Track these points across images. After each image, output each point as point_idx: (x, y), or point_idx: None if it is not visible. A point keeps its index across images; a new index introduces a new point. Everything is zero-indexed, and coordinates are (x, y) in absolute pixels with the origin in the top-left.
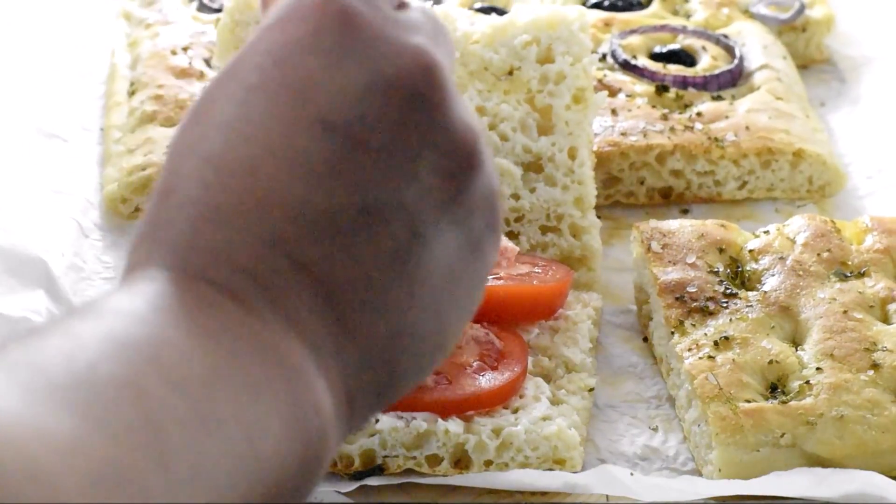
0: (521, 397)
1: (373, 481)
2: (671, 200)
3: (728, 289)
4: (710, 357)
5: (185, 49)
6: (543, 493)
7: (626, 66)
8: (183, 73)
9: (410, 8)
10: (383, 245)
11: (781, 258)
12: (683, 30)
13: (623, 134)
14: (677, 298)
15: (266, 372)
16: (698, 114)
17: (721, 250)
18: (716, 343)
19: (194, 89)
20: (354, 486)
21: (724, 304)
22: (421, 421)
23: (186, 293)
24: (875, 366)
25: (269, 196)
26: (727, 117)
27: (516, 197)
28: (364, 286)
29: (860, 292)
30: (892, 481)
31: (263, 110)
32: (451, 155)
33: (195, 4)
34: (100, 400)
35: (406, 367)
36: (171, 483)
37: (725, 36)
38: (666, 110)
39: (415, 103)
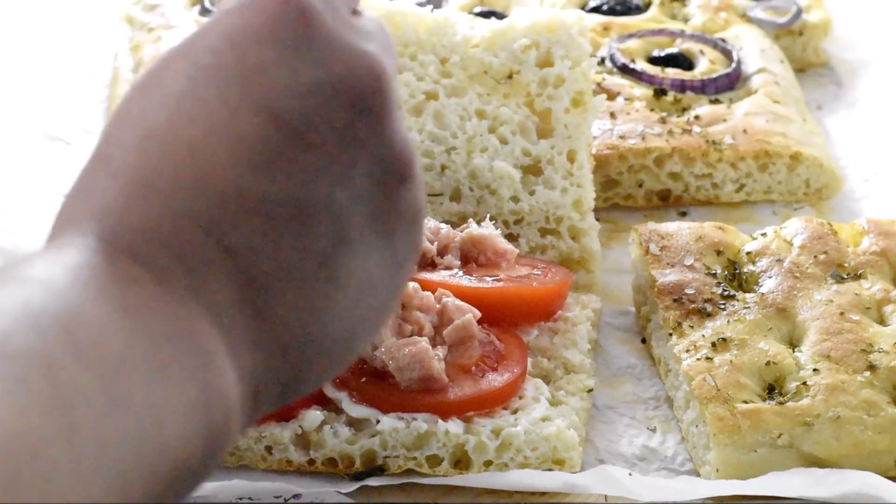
0: (520, 398)
1: (373, 481)
2: (669, 203)
3: (726, 290)
4: (707, 358)
5: None
6: (542, 493)
7: (625, 70)
8: None
9: (364, 16)
10: (310, 243)
11: (779, 260)
12: (681, 34)
13: (621, 137)
14: (675, 300)
15: (178, 355)
16: (696, 117)
17: (719, 252)
18: (713, 344)
19: None
20: (355, 486)
21: (722, 306)
22: (421, 422)
23: (109, 266)
24: (871, 367)
25: (206, 177)
26: (725, 120)
27: (515, 200)
28: (286, 281)
29: (857, 294)
30: (889, 481)
31: (212, 91)
32: (387, 164)
33: (197, 8)
34: (11, 372)
35: (313, 368)
36: (76, 458)
37: (723, 40)
38: (664, 113)
39: (360, 108)
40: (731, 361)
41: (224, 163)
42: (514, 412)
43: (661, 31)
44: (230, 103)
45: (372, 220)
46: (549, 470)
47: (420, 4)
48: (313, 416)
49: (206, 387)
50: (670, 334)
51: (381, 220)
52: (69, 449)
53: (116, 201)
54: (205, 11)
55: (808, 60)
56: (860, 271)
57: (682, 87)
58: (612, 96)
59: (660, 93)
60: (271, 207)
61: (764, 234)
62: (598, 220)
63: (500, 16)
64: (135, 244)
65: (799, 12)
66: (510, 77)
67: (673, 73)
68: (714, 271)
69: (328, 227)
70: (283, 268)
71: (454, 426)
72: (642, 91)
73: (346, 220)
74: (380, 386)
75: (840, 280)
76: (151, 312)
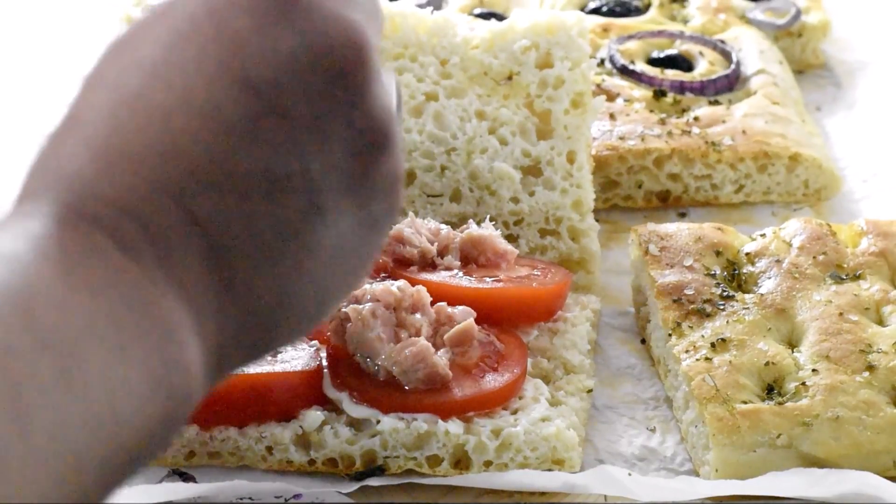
0: (520, 398)
1: (374, 482)
2: (669, 204)
3: (725, 291)
4: (707, 359)
5: None
6: (542, 493)
7: (625, 71)
8: None
9: None
10: (281, 212)
11: (778, 261)
12: (681, 35)
13: (621, 138)
14: (675, 301)
15: (139, 330)
16: (695, 118)
17: (718, 253)
18: (713, 345)
19: None
20: (356, 486)
21: (721, 307)
22: (421, 422)
23: (72, 236)
24: (870, 367)
25: (178, 146)
26: (724, 122)
27: (515, 200)
28: (255, 250)
29: (855, 294)
30: (887, 481)
31: (188, 59)
32: (364, 134)
33: None
34: None
35: (281, 331)
36: (28, 447)
37: (722, 41)
38: (663, 115)
39: (338, 78)
40: (730, 362)
41: (197, 132)
42: (514, 412)
43: (660, 33)
44: (206, 72)
45: (348, 188)
46: (549, 470)
47: (420, 6)
48: (314, 417)
49: (167, 363)
50: (670, 335)
51: (358, 189)
52: (20, 437)
53: (85, 169)
54: None
55: (807, 62)
56: (859, 272)
57: (681, 88)
58: (611, 97)
59: (659, 94)
60: (243, 177)
61: (763, 235)
62: (597, 220)
63: (500, 17)
64: (101, 213)
65: (798, 14)
66: (510, 78)
67: (672, 74)
68: (713, 272)
69: (300, 198)
70: (253, 237)
71: (454, 426)
72: (642, 92)
73: (319, 190)
74: (380, 386)
75: (839, 281)
76: (113, 286)
